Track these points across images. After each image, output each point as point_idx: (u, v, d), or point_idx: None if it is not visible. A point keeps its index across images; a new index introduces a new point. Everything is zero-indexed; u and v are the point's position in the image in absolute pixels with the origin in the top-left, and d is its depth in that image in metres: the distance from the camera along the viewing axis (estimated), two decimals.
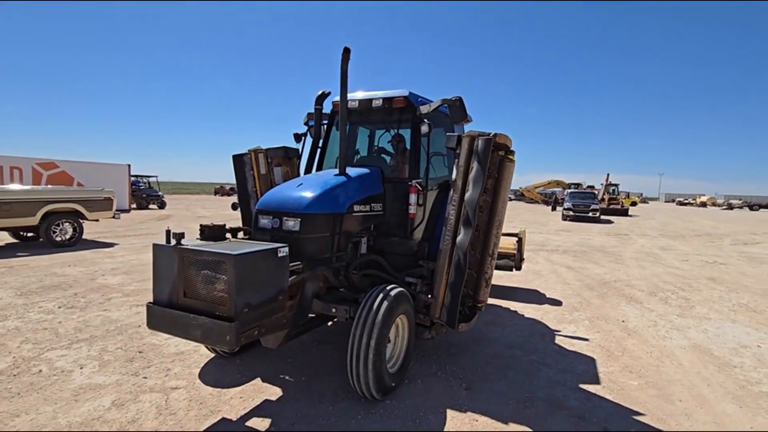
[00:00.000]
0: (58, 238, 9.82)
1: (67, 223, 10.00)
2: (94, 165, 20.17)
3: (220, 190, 48.22)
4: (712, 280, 8.27)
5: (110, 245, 10.45)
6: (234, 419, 2.99)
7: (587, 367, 4.04)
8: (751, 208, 51.50)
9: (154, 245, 2.81)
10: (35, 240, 10.19)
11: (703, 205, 58.40)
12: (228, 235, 3.18)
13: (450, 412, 3.14)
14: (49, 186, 14.91)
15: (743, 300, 6.77)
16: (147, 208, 24.23)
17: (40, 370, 3.61)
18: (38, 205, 9.39)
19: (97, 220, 10.86)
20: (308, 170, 4.67)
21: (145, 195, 24.53)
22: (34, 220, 9.34)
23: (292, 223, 3.27)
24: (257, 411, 3.09)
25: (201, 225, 3.03)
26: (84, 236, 10.71)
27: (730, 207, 52.54)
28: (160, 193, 25.65)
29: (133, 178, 23.48)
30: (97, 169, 20.02)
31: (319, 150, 4.70)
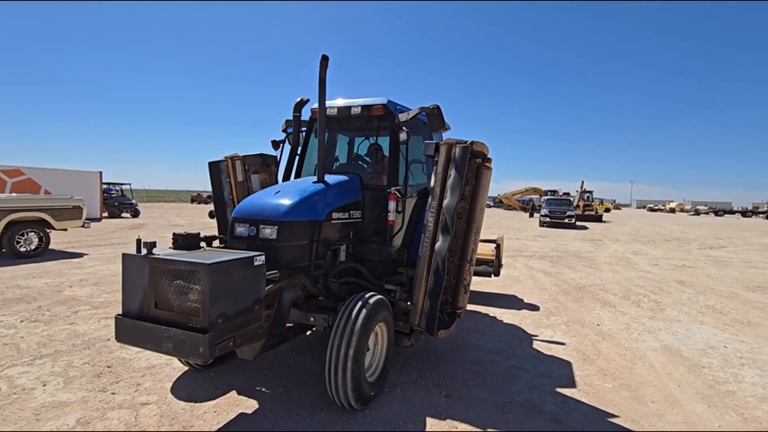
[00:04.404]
0: (23, 249, 9.38)
1: (32, 233, 9.57)
2: (62, 172, 19.39)
3: (197, 198, 47.22)
4: (681, 284, 8.58)
5: (79, 255, 10.04)
6: None
7: (564, 371, 4.10)
8: (716, 213, 53.95)
9: (124, 255, 2.71)
10: None
11: (672, 211, 60.83)
12: (202, 244, 3.11)
13: (430, 420, 3.12)
14: (14, 194, 14.25)
15: (710, 302, 7.04)
16: (120, 216, 23.46)
17: None
18: (1, 214, 8.95)
19: (66, 230, 10.44)
20: (286, 178, 4.62)
21: (118, 203, 23.75)
22: None
23: (269, 231, 3.22)
24: (232, 425, 3.00)
25: (174, 234, 2.94)
26: (51, 246, 10.26)
27: (697, 213, 54.94)
28: (133, 201, 24.88)
29: (105, 186, 22.73)
30: (66, 176, 19.24)
31: (297, 157, 4.67)
